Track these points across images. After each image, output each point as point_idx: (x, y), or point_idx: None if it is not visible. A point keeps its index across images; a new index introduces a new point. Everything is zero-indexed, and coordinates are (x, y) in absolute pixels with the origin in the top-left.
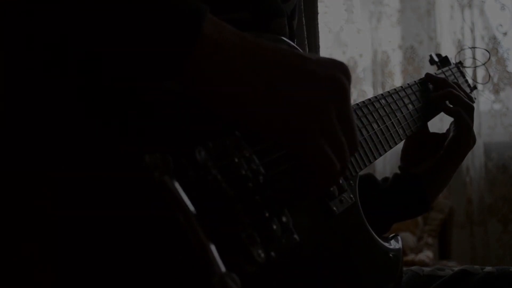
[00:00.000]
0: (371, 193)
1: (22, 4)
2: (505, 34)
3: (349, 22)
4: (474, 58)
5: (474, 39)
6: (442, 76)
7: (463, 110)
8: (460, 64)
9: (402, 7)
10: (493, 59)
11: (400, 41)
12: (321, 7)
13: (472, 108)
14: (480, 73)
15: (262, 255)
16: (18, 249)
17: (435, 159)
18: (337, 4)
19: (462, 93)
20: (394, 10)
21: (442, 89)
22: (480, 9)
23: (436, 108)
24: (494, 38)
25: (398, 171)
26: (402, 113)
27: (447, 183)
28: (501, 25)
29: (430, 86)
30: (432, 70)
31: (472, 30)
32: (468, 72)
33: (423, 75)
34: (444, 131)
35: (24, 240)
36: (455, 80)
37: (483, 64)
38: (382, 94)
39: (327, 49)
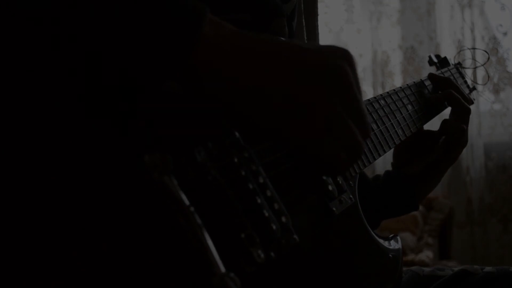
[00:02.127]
0: (360, 190)
1: (22, 3)
2: (505, 34)
3: (349, 22)
4: (474, 59)
5: (474, 39)
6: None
7: (460, 113)
8: (459, 65)
9: (402, 7)
10: (493, 59)
11: (400, 41)
12: (321, 7)
13: (469, 111)
14: (480, 73)
15: (262, 255)
16: (18, 249)
17: (428, 160)
18: (337, 4)
19: (461, 95)
20: (394, 10)
21: (442, 89)
22: (480, 9)
23: (435, 109)
24: (494, 38)
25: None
26: (401, 113)
27: (438, 183)
28: (501, 25)
29: (428, 87)
30: (432, 70)
31: (472, 30)
32: (468, 73)
33: (423, 75)
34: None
35: (24, 240)
36: (454, 81)
37: (482, 65)
38: (381, 95)
39: None
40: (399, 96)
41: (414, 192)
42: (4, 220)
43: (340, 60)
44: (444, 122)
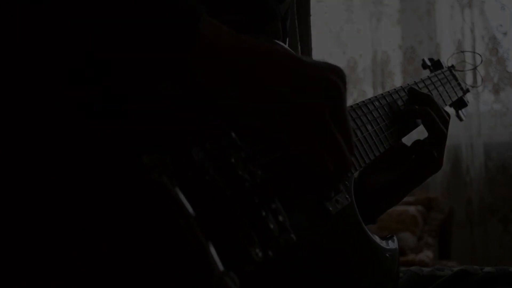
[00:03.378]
0: None
1: (21, 4)
2: (505, 34)
3: (349, 22)
4: (470, 62)
5: (474, 39)
6: (435, 79)
7: (433, 136)
8: (452, 68)
9: (402, 7)
10: (493, 59)
11: (400, 41)
12: (321, 7)
13: (444, 136)
14: (481, 72)
15: (260, 254)
16: (18, 249)
17: (391, 175)
18: (337, 4)
19: (438, 115)
20: (394, 10)
21: (419, 104)
22: (480, 9)
23: (410, 123)
24: (494, 38)
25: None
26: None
27: (398, 201)
28: (501, 25)
29: (403, 98)
30: (426, 74)
31: (472, 30)
32: (468, 75)
33: (423, 75)
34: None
35: (24, 240)
36: (448, 84)
37: (475, 68)
38: (376, 96)
39: (327, 49)
40: (393, 98)
41: (371, 206)
42: (5, 220)
43: (333, 75)
44: (415, 142)
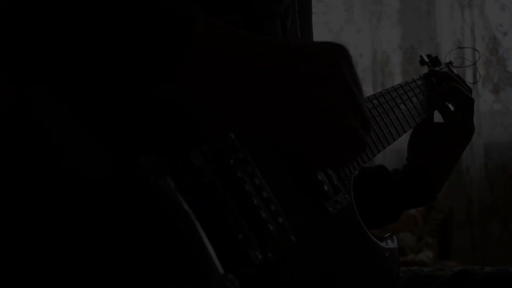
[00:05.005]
0: (384, 184)
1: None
2: (505, 34)
3: (349, 22)
4: (468, 59)
5: (474, 39)
6: None
7: (465, 104)
8: (450, 64)
9: (402, 7)
10: (493, 59)
11: (400, 41)
12: (321, 7)
13: (473, 101)
14: (481, 72)
15: (260, 256)
16: (18, 250)
17: (437, 151)
18: (337, 4)
19: (464, 86)
20: (394, 10)
21: (445, 82)
22: (480, 9)
23: (437, 102)
24: (494, 38)
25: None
26: (394, 113)
27: (451, 172)
28: (501, 25)
29: (420, 83)
30: (424, 70)
31: (472, 30)
32: (468, 72)
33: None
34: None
35: (24, 240)
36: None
37: (474, 64)
38: (374, 95)
39: None
40: (391, 96)
41: (430, 182)
42: (5, 221)
43: (334, 57)
44: (445, 113)
